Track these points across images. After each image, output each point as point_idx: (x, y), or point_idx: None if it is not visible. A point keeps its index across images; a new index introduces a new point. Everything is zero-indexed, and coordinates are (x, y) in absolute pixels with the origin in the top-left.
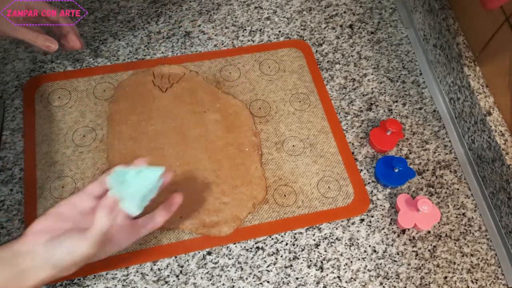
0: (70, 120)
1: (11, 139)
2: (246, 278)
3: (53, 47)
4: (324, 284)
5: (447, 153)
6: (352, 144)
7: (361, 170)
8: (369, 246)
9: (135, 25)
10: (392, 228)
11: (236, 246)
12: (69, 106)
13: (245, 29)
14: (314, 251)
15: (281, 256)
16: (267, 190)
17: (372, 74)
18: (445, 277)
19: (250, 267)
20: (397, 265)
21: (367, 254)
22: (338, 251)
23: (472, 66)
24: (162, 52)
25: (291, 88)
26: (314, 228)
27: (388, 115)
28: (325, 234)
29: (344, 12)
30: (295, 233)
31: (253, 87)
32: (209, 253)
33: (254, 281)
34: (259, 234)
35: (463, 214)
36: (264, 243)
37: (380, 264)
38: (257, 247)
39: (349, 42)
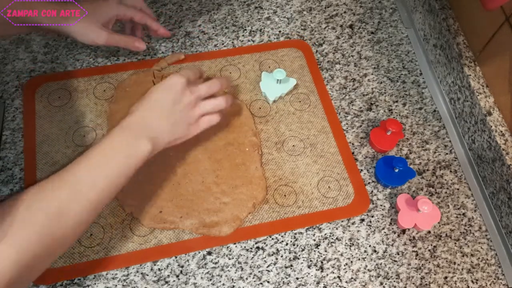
0: (71, 120)
1: (11, 139)
2: (246, 278)
3: (142, 47)
4: (324, 284)
5: (447, 153)
6: (352, 144)
7: (361, 170)
8: (369, 246)
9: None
10: (392, 228)
11: (236, 246)
12: (69, 106)
13: (245, 29)
14: (314, 251)
15: (281, 256)
16: (267, 190)
17: (372, 74)
18: (445, 277)
19: (250, 267)
20: (397, 265)
21: (367, 254)
22: (338, 251)
23: (472, 66)
24: (163, 52)
25: (291, 88)
26: (314, 228)
27: (388, 115)
28: (325, 234)
29: (344, 12)
30: (295, 233)
31: (253, 87)
32: (209, 253)
33: (254, 281)
34: (259, 234)
35: (463, 214)
36: (264, 243)
37: (380, 264)
38: (257, 247)
39: (349, 42)
